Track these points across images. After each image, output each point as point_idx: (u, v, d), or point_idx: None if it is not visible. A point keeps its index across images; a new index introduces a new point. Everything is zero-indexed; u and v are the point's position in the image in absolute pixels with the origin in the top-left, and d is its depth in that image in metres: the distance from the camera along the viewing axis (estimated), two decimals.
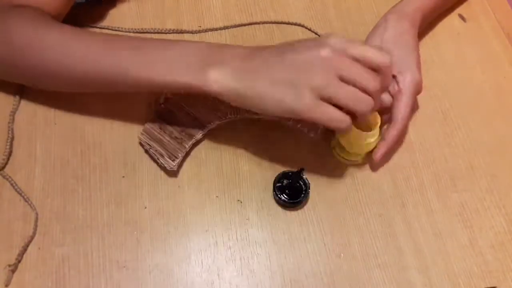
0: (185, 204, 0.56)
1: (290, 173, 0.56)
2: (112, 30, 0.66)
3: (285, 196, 0.55)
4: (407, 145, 0.60)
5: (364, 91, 0.45)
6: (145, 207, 0.56)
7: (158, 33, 0.66)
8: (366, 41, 0.60)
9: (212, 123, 0.59)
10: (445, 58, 0.67)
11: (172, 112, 0.59)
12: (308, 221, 0.56)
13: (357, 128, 0.52)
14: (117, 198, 0.56)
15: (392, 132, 0.56)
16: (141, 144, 0.58)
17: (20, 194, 0.55)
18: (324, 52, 0.44)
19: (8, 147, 0.57)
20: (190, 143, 0.57)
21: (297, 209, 0.56)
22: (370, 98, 0.45)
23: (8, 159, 0.57)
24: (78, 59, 0.51)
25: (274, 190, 0.55)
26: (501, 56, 0.67)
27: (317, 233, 0.55)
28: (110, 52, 0.51)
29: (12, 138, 0.58)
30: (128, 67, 0.50)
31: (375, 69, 0.46)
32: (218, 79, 0.47)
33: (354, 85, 0.45)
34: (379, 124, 0.53)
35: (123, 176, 0.57)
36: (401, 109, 0.55)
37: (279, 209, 0.56)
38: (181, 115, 0.59)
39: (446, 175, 0.59)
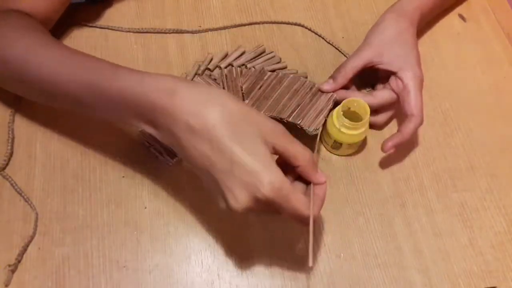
0: (185, 204, 0.56)
1: None
2: (112, 30, 0.66)
3: None
4: (407, 145, 0.60)
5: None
6: (145, 207, 0.56)
7: (158, 33, 0.66)
8: (365, 40, 0.60)
9: None
10: (445, 58, 0.67)
11: None
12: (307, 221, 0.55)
13: (347, 118, 0.53)
14: (117, 198, 0.56)
15: (409, 126, 0.56)
16: (141, 142, 0.58)
17: (20, 194, 0.55)
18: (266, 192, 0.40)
19: (9, 147, 0.57)
20: None
21: None
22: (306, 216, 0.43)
23: (9, 159, 0.57)
24: (35, 71, 0.50)
25: None
26: (501, 56, 0.67)
27: (317, 233, 0.55)
28: (63, 78, 0.48)
29: (13, 139, 0.58)
30: (80, 100, 0.48)
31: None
32: (165, 140, 0.45)
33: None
34: (368, 114, 0.54)
35: (123, 176, 0.57)
36: (413, 103, 0.56)
37: None
38: None
39: (446, 175, 0.59)
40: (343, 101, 0.55)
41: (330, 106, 0.58)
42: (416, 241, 0.55)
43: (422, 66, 0.58)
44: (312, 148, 0.57)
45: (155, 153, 0.57)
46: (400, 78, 0.57)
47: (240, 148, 0.40)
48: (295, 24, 0.68)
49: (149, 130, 0.45)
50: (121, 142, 0.59)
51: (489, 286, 0.53)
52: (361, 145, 0.59)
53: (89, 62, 0.49)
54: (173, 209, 0.56)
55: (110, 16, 0.67)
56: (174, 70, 0.64)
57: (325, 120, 0.57)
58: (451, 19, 0.70)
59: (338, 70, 0.59)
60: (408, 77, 0.56)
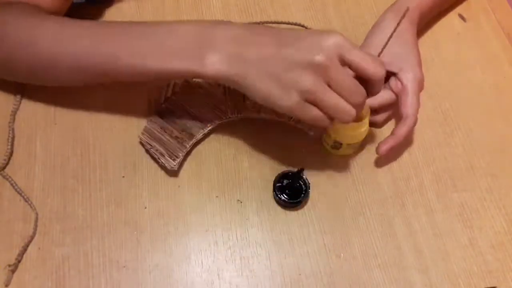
0: (185, 204, 0.56)
1: (290, 173, 0.56)
2: None
3: (285, 196, 0.55)
4: (407, 145, 0.60)
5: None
6: (145, 207, 0.56)
7: None
8: (366, 40, 0.60)
9: (212, 123, 0.59)
10: (445, 58, 0.67)
11: (173, 112, 0.59)
12: (308, 221, 0.56)
13: None
14: (117, 198, 0.56)
15: (402, 128, 0.56)
16: (142, 143, 0.58)
17: (20, 194, 0.55)
18: (319, 58, 0.43)
19: (9, 147, 0.57)
20: (191, 142, 0.57)
21: (297, 209, 0.56)
22: (351, 109, 0.45)
23: (9, 159, 0.57)
24: (71, 50, 0.51)
25: (274, 190, 0.55)
26: (501, 56, 0.67)
27: (317, 233, 0.55)
28: (103, 42, 0.50)
29: (13, 138, 0.58)
30: (121, 56, 0.49)
31: (366, 78, 0.46)
32: (214, 64, 0.46)
33: (340, 94, 0.45)
34: (369, 114, 0.54)
35: (123, 176, 0.57)
36: (409, 106, 0.56)
37: (279, 209, 0.56)
38: (181, 114, 0.59)
39: (446, 175, 0.59)
40: None
41: None
42: (416, 241, 0.55)
43: (422, 66, 0.58)
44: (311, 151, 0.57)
45: (156, 155, 0.57)
46: (400, 79, 0.57)
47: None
48: (295, 24, 0.68)
49: (192, 66, 0.47)
50: (121, 142, 0.59)
51: (489, 286, 0.53)
52: (361, 145, 0.59)
53: (120, 24, 0.52)
54: (173, 209, 0.56)
55: (110, 16, 0.67)
56: None
57: None
58: (451, 19, 0.70)
59: None
60: (408, 79, 0.56)
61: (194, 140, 0.58)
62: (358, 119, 0.54)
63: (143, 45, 0.49)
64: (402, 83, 0.56)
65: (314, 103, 0.45)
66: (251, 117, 0.59)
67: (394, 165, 0.59)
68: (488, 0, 0.71)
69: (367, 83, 0.46)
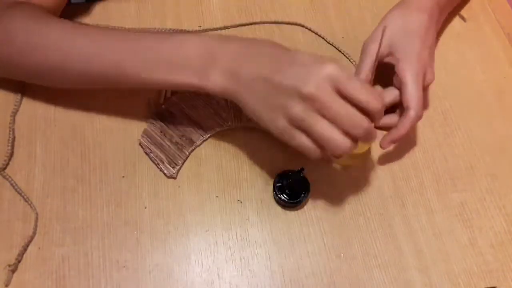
0: (185, 204, 0.56)
1: (290, 173, 0.56)
2: None
3: (285, 196, 0.55)
4: (407, 145, 0.60)
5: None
6: (145, 207, 0.56)
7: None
8: (375, 31, 0.59)
9: (212, 130, 0.58)
10: (445, 58, 0.67)
11: (172, 114, 0.59)
12: (308, 221, 0.56)
13: None
14: (117, 198, 0.56)
15: (404, 121, 0.54)
16: (141, 146, 0.58)
17: (20, 194, 0.55)
18: (308, 89, 0.43)
19: (9, 148, 0.57)
20: (190, 149, 0.57)
21: (297, 209, 0.56)
22: (345, 141, 0.44)
23: (10, 159, 0.57)
24: (79, 56, 0.52)
25: (274, 190, 0.55)
26: (501, 56, 0.67)
27: (317, 233, 0.55)
28: (111, 49, 0.51)
29: (13, 139, 0.58)
30: (129, 65, 0.50)
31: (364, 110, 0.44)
32: (215, 80, 0.48)
33: (337, 125, 0.44)
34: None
35: (123, 176, 0.57)
36: (408, 96, 0.54)
37: (279, 209, 0.56)
38: (181, 117, 0.59)
39: (446, 175, 0.59)
40: None
41: None
42: (416, 241, 0.55)
43: (431, 60, 0.57)
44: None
45: (156, 161, 0.57)
46: (397, 71, 0.55)
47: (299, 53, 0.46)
48: (295, 24, 0.68)
49: (194, 80, 0.48)
50: (121, 142, 0.59)
51: (489, 286, 0.53)
52: (371, 180, 0.58)
53: (128, 33, 0.53)
54: (173, 209, 0.56)
55: (110, 15, 0.67)
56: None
57: None
58: (451, 19, 0.70)
59: (359, 69, 0.58)
60: (404, 69, 0.55)
61: (193, 147, 0.58)
62: (360, 149, 0.53)
63: (150, 57, 0.50)
64: (398, 75, 0.55)
65: (304, 131, 0.45)
66: (251, 127, 0.59)
67: (394, 165, 0.59)
68: (488, 0, 0.71)
69: (368, 114, 0.44)
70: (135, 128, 0.59)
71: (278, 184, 0.56)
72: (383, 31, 0.54)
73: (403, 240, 0.55)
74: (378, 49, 0.55)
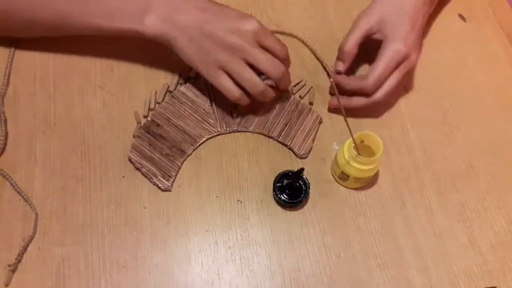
0: (185, 204, 0.56)
1: (290, 173, 0.56)
2: None
3: (285, 196, 0.55)
4: (407, 145, 0.60)
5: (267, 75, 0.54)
6: (145, 207, 0.56)
7: None
8: (363, 10, 0.59)
9: (201, 137, 0.58)
10: (445, 58, 0.67)
11: (159, 126, 0.58)
12: (308, 221, 0.56)
13: (359, 154, 0.51)
14: (117, 198, 0.56)
15: (357, 96, 0.57)
16: (131, 161, 0.57)
17: (20, 194, 0.55)
18: (236, 39, 0.52)
19: (3, 128, 0.57)
20: (182, 160, 0.57)
21: (297, 209, 0.56)
22: (261, 84, 0.54)
23: (6, 141, 0.57)
24: (22, 5, 0.56)
25: (274, 190, 0.55)
26: (501, 56, 0.67)
27: (317, 233, 0.55)
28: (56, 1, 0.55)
29: (5, 121, 0.58)
30: (72, 14, 0.55)
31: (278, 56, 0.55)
32: (151, 25, 0.54)
33: (259, 68, 0.54)
34: (381, 151, 0.51)
35: (123, 176, 0.57)
36: (373, 71, 0.55)
37: (279, 209, 0.56)
38: (169, 128, 0.58)
39: (446, 175, 0.59)
40: (358, 133, 0.52)
41: (316, 128, 0.60)
42: (416, 241, 0.55)
43: (422, 66, 0.57)
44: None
45: (148, 175, 0.56)
46: (381, 47, 0.57)
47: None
48: (291, 35, 0.67)
49: (134, 25, 0.54)
50: (121, 142, 0.59)
51: (489, 286, 0.53)
52: (371, 180, 0.58)
53: None
54: (173, 209, 0.56)
55: None
56: (169, 74, 0.63)
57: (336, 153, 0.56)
58: (451, 19, 0.70)
59: (341, 47, 0.59)
60: (386, 47, 0.56)
61: (185, 157, 0.57)
62: (371, 153, 0.53)
63: (92, 5, 0.55)
64: (380, 51, 0.56)
65: (228, 73, 0.54)
66: (240, 131, 0.59)
67: (394, 165, 0.59)
68: (488, 0, 0.71)
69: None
70: (135, 128, 0.59)
71: (278, 184, 0.56)
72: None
73: (403, 240, 0.55)
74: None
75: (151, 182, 0.56)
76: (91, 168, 0.57)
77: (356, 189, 0.57)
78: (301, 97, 0.62)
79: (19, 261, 0.52)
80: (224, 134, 0.59)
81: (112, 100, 0.61)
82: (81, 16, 0.55)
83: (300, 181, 0.56)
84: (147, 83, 0.62)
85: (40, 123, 0.59)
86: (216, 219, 0.55)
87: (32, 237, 0.53)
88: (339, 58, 0.60)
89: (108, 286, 0.52)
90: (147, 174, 0.56)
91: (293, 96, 0.61)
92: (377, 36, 0.58)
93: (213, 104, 0.60)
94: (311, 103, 0.62)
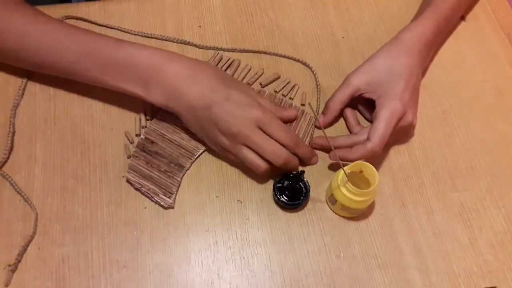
0: (185, 204, 0.56)
1: (290, 175, 0.56)
2: (111, 29, 0.66)
3: (285, 197, 0.55)
4: (407, 145, 0.60)
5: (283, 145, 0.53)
6: (145, 207, 0.56)
7: (158, 39, 0.66)
8: (357, 68, 0.58)
9: (198, 149, 0.58)
10: (445, 58, 0.67)
11: (153, 143, 0.57)
12: (308, 221, 0.56)
13: (354, 185, 0.50)
14: (117, 198, 0.56)
15: (359, 149, 0.54)
16: (129, 182, 0.56)
17: (20, 194, 0.55)
18: (238, 128, 0.52)
19: (9, 142, 0.57)
20: (181, 175, 0.56)
21: (297, 210, 0.56)
22: (263, 163, 0.53)
23: (10, 154, 0.57)
24: (34, 47, 0.55)
25: (274, 191, 0.55)
26: (501, 56, 0.67)
27: (317, 233, 0.55)
28: (66, 47, 0.54)
29: (13, 133, 0.58)
30: (81, 65, 0.55)
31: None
32: (156, 95, 0.53)
33: (264, 154, 0.53)
34: (376, 184, 0.50)
35: (123, 176, 0.57)
36: (372, 133, 0.54)
37: (279, 209, 0.56)
38: (164, 144, 0.58)
39: (446, 175, 0.59)
40: (358, 162, 0.51)
41: (311, 132, 0.60)
42: (416, 241, 0.55)
43: (415, 101, 0.57)
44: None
45: (149, 194, 0.55)
46: (376, 106, 0.55)
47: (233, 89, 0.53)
48: (298, 60, 0.65)
49: (139, 90, 0.54)
50: (121, 142, 0.59)
51: (489, 286, 0.53)
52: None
53: (88, 33, 0.56)
54: (173, 209, 0.56)
55: (110, 15, 0.67)
56: None
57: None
58: None
59: (327, 102, 0.60)
60: (382, 106, 0.54)
61: (184, 172, 0.57)
62: (367, 185, 0.52)
63: (103, 61, 0.54)
64: (375, 110, 0.55)
65: (232, 154, 0.54)
66: None
67: (394, 165, 0.59)
68: (488, 0, 0.71)
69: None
70: (134, 128, 0.59)
71: (278, 185, 0.55)
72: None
73: (403, 240, 0.55)
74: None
75: (153, 201, 0.55)
76: (91, 168, 0.57)
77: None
78: (291, 98, 0.62)
79: (19, 261, 0.52)
80: None
81: (113, 99, 0.61)
82: (89, 69, 0.55)
83: (300, 183, 0.56)
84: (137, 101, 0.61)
85: (40, 123, 0.59)
86: (216, 219, 0.55)
87: (32, 237, 0.53)
88: (323, 111, 0.60)
89: (108, 286, 0.52)
90: (148, 193, 0.55)
91: (284, 99, 0.62)
92: (368, 95, 0.57)
93: None
94: (303, 105, 0.62)
